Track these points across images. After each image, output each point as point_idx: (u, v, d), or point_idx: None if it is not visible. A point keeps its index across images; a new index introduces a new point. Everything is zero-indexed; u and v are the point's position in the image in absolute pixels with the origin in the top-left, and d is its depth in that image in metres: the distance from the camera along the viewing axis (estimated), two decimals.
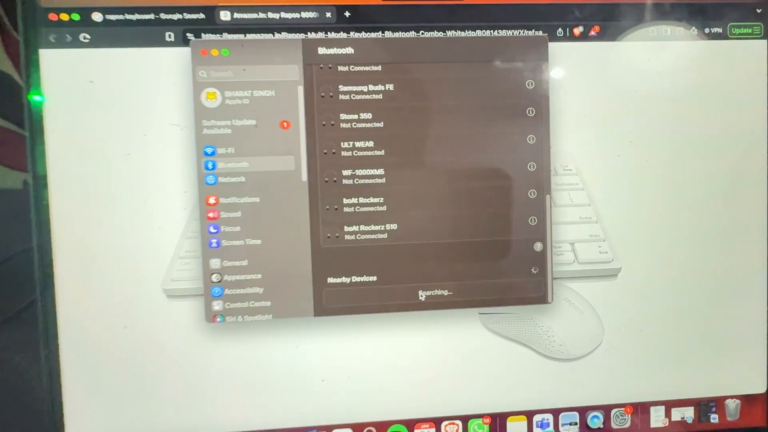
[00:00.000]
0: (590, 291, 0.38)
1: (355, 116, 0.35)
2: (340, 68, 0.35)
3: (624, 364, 0.38)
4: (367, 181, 0.36)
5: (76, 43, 0.34)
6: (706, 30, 0.37)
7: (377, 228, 0.36)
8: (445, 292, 0.36)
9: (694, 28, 0.37)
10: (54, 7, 0.34)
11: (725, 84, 0.38)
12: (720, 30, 0.38)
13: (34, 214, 0.34)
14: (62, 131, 0.34)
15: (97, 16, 0.34)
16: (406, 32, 0.36)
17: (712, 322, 0.39)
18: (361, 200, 0.36)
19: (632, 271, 0.38)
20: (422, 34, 0.36)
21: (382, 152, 0.36)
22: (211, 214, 0.35)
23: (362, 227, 0.36)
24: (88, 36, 0.34)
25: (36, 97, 0.34)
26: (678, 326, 0.38)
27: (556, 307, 0.37)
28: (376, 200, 0.36)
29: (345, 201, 0.36)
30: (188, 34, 0.35)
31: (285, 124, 0.35)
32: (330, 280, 0.36)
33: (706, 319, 0.39)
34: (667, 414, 0.39)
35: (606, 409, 0.39)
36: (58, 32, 0.34)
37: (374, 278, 0.36)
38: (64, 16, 0.34)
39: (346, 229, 0.36)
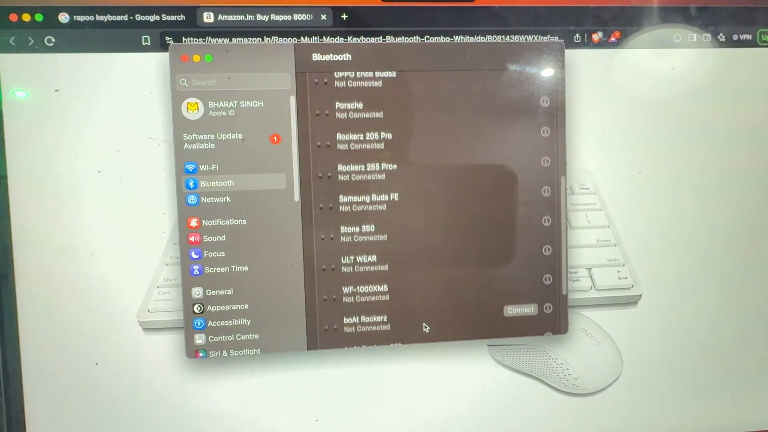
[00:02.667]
0: (608, 320, 0.35)
1: None
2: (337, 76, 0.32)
3: (644, 398, 0.36)
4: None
5: (40, 47, 0.31)
6: (735, 37, 0.35)
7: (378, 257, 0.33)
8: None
9: (721, 34, 0.35)
10: (14, 6, 0.30)
11: (756, 95, 0.35)
12: (749, 36, 0.35)
13: None
14: (24, 147, 0.31)
15: (63, 17, 0.31)
16: (409, 37, 0.32)
17: (740, 354, 0.36)
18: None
19: (654, 298, 0.35)
20: (427, 39, 0.32)
21: (383, 176, 0.32)
22: (192, 238, 0.31)
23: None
24: (53, 39, 0.31)
25: None
26: (703, 358, 0.36)
27: (571, 338, 0.35)
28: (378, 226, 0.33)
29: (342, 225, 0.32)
30: (167, 38, 0.31)
31: (275, 138, 0.32)
32: (325, 309, 0.32)
33: (733, 351, 0.36)
34: None
35: None
36: (19, 35, 0.31)
37: None
38: (26, 17, 0.31)
39: (343, 256, 0.32)
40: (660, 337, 0.35)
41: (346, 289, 0.32)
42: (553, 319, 0.34)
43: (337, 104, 0.32)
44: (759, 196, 0.35)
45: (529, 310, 0.34)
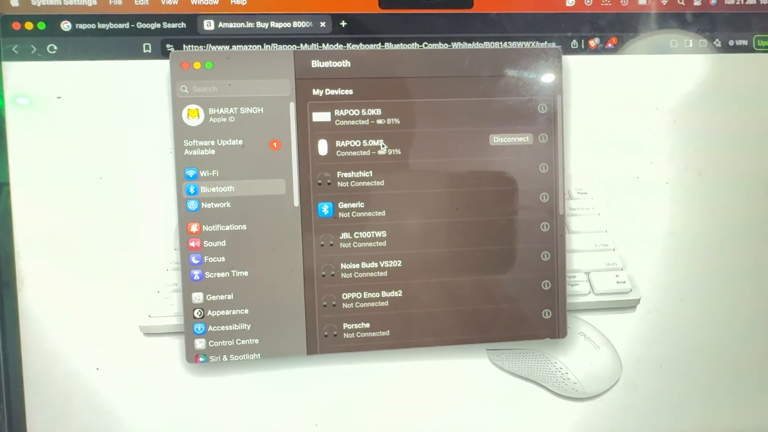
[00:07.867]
0: (607, 324, 0.35)
1: None
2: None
3: (643, 403, 0.36)
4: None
5: (42, 55, 0.31)
6: (731, 42, 0.35)
7: (377, 265, 0.33)
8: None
9: (718, 40, 0.35)
10: (17, 15, 0.31)
11: (753, 100, 0.35)
12: (745, 42, 0.35)
13: None
14: (27, 154, 0.31)
15: (65, 25, 0.31)
16: (407, 44, 0.33)
17: (739, 358, 0.36)
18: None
19: (652, 302, 0.35)
20: (425, 45, 0.33)
21: (382, 182, 0.33)
22: (192, 244, 0.32)
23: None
24: (55, 47, 0.31)
25: None
26: (702, 362, 0.36)
27: (570, 342, 0.35)
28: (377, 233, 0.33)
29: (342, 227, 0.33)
30: (168, 45, 0.32)
31: (275, 144, 0.32)
32: (325, 315, 0.33)
33: (732, 355, 0.36)
34: None
35: None
36: (22, 43, 0.31)
37: None
38: (29, 25, 0.31)
39: (343, 263, 0.33)
40: (659, 341, 0.35)
41: (345, 295, 0.33)
42: (551, 324, 0.34)
43: (336, 111, 0.32)
44: (756, 200, 0.35)
45: (528, 313, 0.34)
